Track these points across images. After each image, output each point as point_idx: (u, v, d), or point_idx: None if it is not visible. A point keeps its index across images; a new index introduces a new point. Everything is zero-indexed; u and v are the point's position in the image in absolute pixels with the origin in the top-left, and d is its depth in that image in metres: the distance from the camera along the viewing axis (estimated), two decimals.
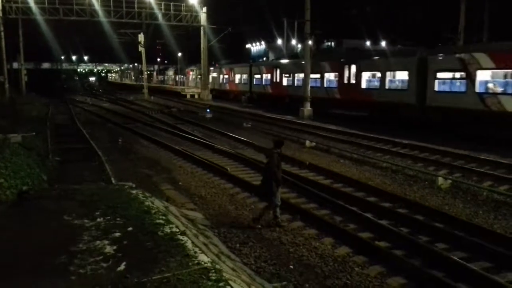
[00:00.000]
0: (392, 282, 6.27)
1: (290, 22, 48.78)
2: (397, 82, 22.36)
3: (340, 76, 26.40)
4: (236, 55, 61.32)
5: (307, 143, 17.12)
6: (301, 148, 16.65)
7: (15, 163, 9.92)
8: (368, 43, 56.62)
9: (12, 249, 5.49)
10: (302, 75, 28.52)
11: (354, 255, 7.09)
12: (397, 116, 21.56)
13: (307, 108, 27.04)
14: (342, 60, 26.80)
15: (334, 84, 27.28)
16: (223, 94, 45.90)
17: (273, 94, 34.95)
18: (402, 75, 21.78)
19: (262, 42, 76.30)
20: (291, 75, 31.88)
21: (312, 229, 8.19)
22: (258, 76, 37.97)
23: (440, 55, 19.86)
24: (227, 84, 45.40)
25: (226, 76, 45.54)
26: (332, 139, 18.28)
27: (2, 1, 38.90)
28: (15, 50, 46.15)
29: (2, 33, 39.46)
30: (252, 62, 47.25)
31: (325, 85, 27.80)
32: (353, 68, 25.02)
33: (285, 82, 32.76)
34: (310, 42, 28.21)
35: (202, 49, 46.41)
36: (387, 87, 22.62)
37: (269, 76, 35.63)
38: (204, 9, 45.27)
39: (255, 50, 79.44)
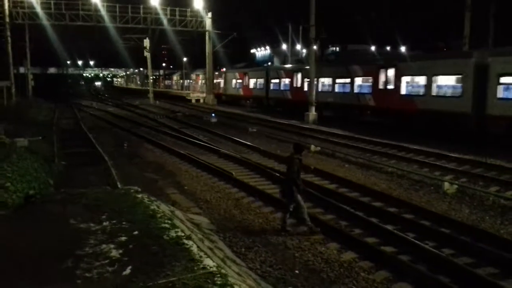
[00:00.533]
0: (398, 287, 6.23)
1: (294, 27, 48.96)
2: (447, 88, 19.87)
3: (375, 81, 24.06)
4: (241, 60, 61.48)
5: (312, 147, 17.10)
6: (306, 153, 16.60)
7: (21, 167, 9.97)
8: (373, 48, 56.63)
9: (18, 253, 5.51)
10: (327, 80, 27.91)
11: (360, 260, 7.06)
12: (447, 127, 19.35)
13: (312, 113, 27.05)
14: (377, 63, 24.86)
15: (367, 90, 24.86)
16: (235, 100, 44.23)
17: (294, 99, 32.83)
18: (454, 80, 19.47)
19: (267, 47, 76.51)
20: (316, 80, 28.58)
21: (318, 234, 8.16)
22: (275, 80, 36.11)
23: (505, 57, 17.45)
24: (240, 89, 43.26)
25: (239, 81, 43.29)
26: (337, 144, 18.26)
27: (9, 7, 39.25)
28: (22, 55, 46.51)
29: (9, 38, 39.76)
30: (268, 66, 46.34)
31: (355, 91, 25.42)
32: (391, 72, 22.62)
33: (307, 87, 29.31)
34: (315, 47, 28.24)
35: (207, 54, 46.62)
36: (434, 94, 20.11)
37: (289, 81, 34.13)
38: (209, 14, 45.51)
39: (259, 55, 79.67)
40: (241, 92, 43.26)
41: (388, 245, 7.57)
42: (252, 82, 40.66)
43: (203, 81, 51.44)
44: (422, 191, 11.27)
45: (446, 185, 11.20)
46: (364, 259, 7.07)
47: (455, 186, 11.19)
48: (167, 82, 75.95)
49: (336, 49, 61.46)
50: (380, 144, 17.87)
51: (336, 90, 27.38)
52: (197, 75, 55.55)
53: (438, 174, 12.83)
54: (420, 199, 10.60)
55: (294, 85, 33.11)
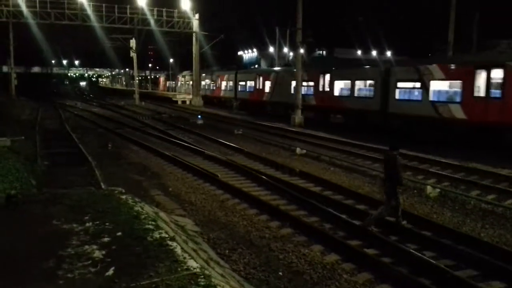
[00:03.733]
0: None
1: (282, 30, 49.14)
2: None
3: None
4: (229, 62, 61.51)
5: (298, 150, 17.18)
6: (292, 156, 16.71)
7: (3, 167, 9.85)
8: (359, 52, 57.18)
9: None
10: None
11: (343, 262, 7.13)
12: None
13: (298, 116, 27.18)
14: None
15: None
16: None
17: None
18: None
19: (254, 50, 76.66)
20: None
21: (302, 236, 8.21)
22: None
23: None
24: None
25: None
26: (323, 147, 18.37)
27: None
28: (5, 53, 45.86)
29: None
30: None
31: (431, 98, 19.79)
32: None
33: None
34: (301, 51, 28.39)
35: (194, 55, 46.51)
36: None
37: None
38: (197, 15, 45.43)
39: (247, 58, 79.78)
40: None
41: (371, 247, 7.65)
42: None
43: (209, 82, 49.90)
44: (406, 194, 11.40)
45: (429, 188, 11.36)
46: (347, 261, 7.14)
47: (438, 190, 11.35)
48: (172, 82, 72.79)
49: (323, 53, 61.88)
50: (364, 147, 18.03)
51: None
52: (183, 76, 55.57)
53: (421, 178, 13.00)
54: (403, 202, 10.71)
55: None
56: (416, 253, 7.22)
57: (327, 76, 26.92)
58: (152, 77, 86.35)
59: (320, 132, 22.62)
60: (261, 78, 35.50)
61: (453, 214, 9.79)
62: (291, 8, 28.66)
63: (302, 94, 27.51)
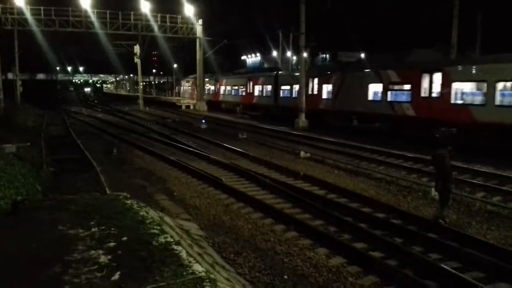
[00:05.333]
0: None
1: (285, 34, 49.21)
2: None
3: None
4: (232, 67, 61.64)
5: (302, 153, 17.19)
6: (296, 159, 16.71)
7: (9, 173, 9.91)
8: (362, 55, 57.14)
9: (5, 259, 5.47)
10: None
11: (348, 265, 7.11)
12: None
13: (302, 119, 27.21)
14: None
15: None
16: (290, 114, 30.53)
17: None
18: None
19: (258, 54, 76.78)
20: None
21: (307, 239, 8.21)
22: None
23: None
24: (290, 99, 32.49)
25: (286, 88, 33.45)
26: (327, 150, 18.36)
27: None
28: (10, 60, 46.17)
29: None
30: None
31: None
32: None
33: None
34: (305, 55, 28.42)
35: (197, 61, 46.66)
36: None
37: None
38: (200, 21, 45.58)
39: (250, 62, 79.90)
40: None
41: (377, 250, 7.64)
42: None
43: (228, 87, 47.22)
44: (410, 196, 11.38)
45: (434, 191, 11.30)
46: (352, 264, 7.13)
47: None
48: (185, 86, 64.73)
49: (326, 56, 61.86)
50: (368, 150, 18.01)
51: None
52: (220, 81, 50.26)
53: (426, 180, 12.96)
54: (408, 204, 10.71)
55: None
56: (421, 255, 7.20)
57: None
58: (157, 82, 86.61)
59: (323, 135, 22.60)
60: (315, 81, 28.94)
61: (458, 216, 9.75)
62: (295, 12, 28.75)
63: (390, 101, 22.36)
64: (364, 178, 13.54)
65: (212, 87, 49.70)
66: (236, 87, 43.43)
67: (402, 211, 9.83)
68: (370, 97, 23.78)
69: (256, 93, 38.44)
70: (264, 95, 37.02)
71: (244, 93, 41.11)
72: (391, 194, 11.70)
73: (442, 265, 6.85)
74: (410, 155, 16.38)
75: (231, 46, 56.92)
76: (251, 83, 39.03)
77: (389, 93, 22.55)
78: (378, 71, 23.24)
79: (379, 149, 17.83)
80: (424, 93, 20.27)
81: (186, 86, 59.70)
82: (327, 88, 27.86)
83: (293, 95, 31.67)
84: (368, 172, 14.14)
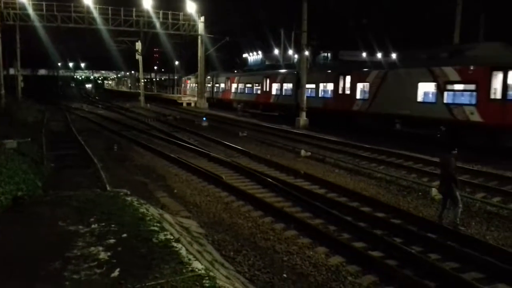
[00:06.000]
0: None
1: (287, 32, 49.16)
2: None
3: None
4: (234, 64, 61.56)
5: (303, 152, 17.19)
6: (296, 158, 16.71)
7: (10, 168, 9.91)
8: (364, 54, 57.04)
9: (5, 255, 5.49)
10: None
11: (347, 265, 7.13)
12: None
13: (303, 118, 27.19)
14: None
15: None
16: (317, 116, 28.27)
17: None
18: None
19: (259, 52, 76.68)
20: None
21: (306, 238, 8.22)
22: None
23: None
24: (327, 100, 28.37)
25: (326, 87, 28.99)
26: (328, 149, 18.36)
27: (0, 8, 38.96)
28: (12, 56, 46.16)
29: (0, 39, 39.46)
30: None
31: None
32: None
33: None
34: (306, 53, 28.36)
35: (199, 58, 46.65)
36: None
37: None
38: (202, 18, 45.54)
39: (252, 60, 79.80)
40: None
41: (376, 249, 7.65)
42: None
43: (240, 85, 44.99)
44: (410, 197, 11.39)
45: (434, 191, 11.32)
46: (351, 263, 7.14)
47: None
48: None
49: (327, 55, 61.79)
50: (369, 150, 18.01)
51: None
52: (232, 78, 47.97)
53: (426, 180, 12.97)
54: (408, 204, 10.72)
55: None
56: (421, 255, 7.21)
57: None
58: (158, 79, 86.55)
59: (324, 134, 22.60)
60: (347, 79, 25.95)
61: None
62: (296, 10, 28.68)
63: (447, 103, 19.53)
64: (365, 177, 13.55)
65: (223, 85, 47.38)
66: (250, 85, 40.30)
67: (402, 211, 9.84)
68: (420, 98, 20.77)
69: (274, 91, 35.36)
70: (283, 94, 33.84)
71: (259, 92, 37.89)
72: (391, 193, 11.70)
73: (442, 265, 6.86)
74: (410, 155, 16.36)
75: (232, 44, 56.84)
76: (268, 81, 36.06)
77: (445, 93, 19.61)
78: (431, 68, 20.16)
79: (379, 148, 17.80)
80: (494, 94, 17.46)
81: (193, 83, 58.60)
82: (363, 87, 24.70)
83: (321, 95, 28.63)
84: (368, 172, 14.14)
